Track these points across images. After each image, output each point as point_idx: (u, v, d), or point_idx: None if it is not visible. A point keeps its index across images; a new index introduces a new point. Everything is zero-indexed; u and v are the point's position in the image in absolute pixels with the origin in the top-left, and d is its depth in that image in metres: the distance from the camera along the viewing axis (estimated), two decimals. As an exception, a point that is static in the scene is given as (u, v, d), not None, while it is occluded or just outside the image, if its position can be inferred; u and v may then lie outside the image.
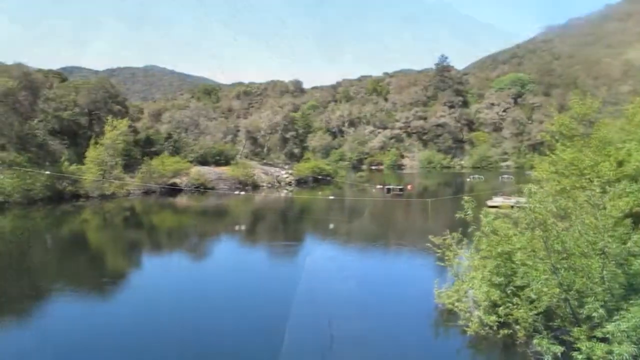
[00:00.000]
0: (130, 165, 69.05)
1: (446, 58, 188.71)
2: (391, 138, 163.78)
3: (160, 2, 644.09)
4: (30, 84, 62.03)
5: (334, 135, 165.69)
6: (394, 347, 17.33)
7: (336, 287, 24.82)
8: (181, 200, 64.57)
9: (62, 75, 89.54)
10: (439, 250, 21.41)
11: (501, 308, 16.86)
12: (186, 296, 23.10)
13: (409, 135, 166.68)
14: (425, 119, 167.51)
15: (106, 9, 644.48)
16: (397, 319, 20.20)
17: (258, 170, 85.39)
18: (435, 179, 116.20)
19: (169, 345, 17.30)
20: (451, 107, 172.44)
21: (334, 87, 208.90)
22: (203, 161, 78.83)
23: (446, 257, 21.10)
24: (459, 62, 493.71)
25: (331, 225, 45.93)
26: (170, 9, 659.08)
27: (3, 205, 49.35)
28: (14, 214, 47.80)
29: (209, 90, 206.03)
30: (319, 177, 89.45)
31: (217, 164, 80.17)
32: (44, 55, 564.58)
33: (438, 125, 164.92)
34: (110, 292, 24.11)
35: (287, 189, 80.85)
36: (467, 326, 17.57)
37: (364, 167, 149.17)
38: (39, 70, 77.56)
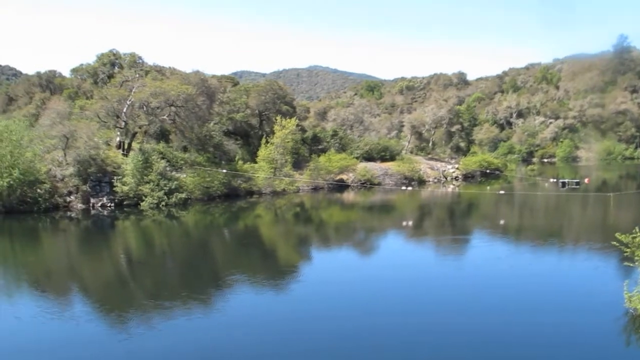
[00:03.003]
0: (299, 163, 71.09)
1: (626, 38, 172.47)
2: (564, 128, 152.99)
3: (319, 5, 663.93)
4: (207, 89, 65.91)
5: (501, 127, 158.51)
6: (579, 354, 15.52)
7: (509, 287, 23.06)
8: (348, 196, 65.13)
9: (234, 80, 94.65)
10: (626, 250, 18.97)
11: None
12: (357, 291, 22.72)
13: (584, 124, 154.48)
14: (602, 106, 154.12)
15: (271, 14, 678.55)
16: (580, 321, 18.10)
17: (424, 165, 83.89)
18: (616, 171, 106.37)
19: (339, 341, 16.99)
20: (633, 92, 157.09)
21: (499, 77, 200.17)
22: (369, 157, 78.96)
23: (636, 257, 18.63)
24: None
25: (502, 221, 43.42)
26: (327, 11, 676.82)
27: (186, 201, 52.99)
28: (196, 209, 51.12)
29: (372, 87, 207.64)
30: (487, 171, 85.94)
31: (383, 159, 79.88)
32: (217, 62, 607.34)
33: (618, 113, 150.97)
34: (283, 284, 24.47)
35: (453, 184, 78.53)
36: (667, 336, 15.28)
37: (535, 159, 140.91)
38: (214, 76, 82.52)
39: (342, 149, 78.73)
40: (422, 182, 77.73)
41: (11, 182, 45.94)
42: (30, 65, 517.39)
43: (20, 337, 17.24)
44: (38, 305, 20.76)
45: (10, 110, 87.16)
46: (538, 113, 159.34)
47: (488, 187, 67.97)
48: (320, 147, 78.45)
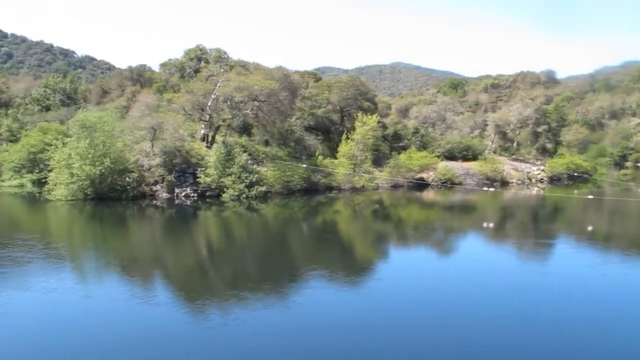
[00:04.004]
0: (379, 160, 70.71)
1: None
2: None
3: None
4: (290, 84, 66.50)
5: (592, 128, 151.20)
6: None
7: (606, 300, 21.63)
8: (428, 194, 64.09)
9: (316, 75, 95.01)
10: None
11: None
12: (435, 294, 22.11)
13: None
14: None
15: (353, 10, 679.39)
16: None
17: (507, 166, 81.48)
18: None
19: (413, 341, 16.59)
20: None
21: (591, 76, 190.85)
22: (450, 156, 77.53)
23: None
24: None
25: (589, 227, 41.20)
26: (411, 6, 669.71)
27: (266, 194, 53.76)
28: (275, 203, 51.70)
29: (455, 84, 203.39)
30: (575, 174, 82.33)
31: (465, 159, 78.21)
32: (300, 57, 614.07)
33: None
34: (360, 282, 24.17)
35: (538, 186, 75.78)
36: None
37: (628, 164, 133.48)
38: (297, 72, 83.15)
39: (423, 147, 77.68)
40: (504, 183, 75.51)
41: (103, 170, 48.23)
42: (123, 59, 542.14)
43: (112, 319, 17.85)
44: (127, 289, 21.50)
45: (104, 102, 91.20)
46: (634, 114, 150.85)
47: (575, 191, 65.05)
48: (401, 144, 77.75)
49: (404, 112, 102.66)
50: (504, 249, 33.72)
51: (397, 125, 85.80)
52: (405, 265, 28.22)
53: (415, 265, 27.97)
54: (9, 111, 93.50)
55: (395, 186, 66.58)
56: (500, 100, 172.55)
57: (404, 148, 75.85)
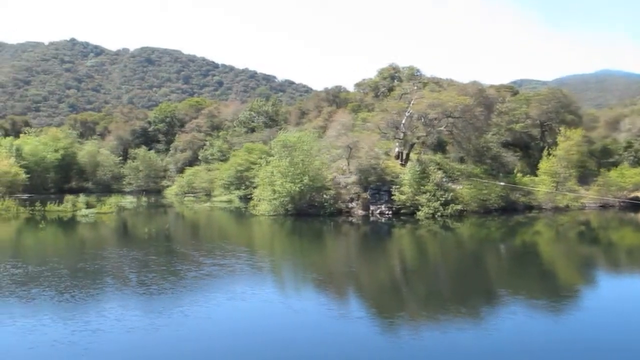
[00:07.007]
0: (584, 177, 65.63)
1: None
2: None
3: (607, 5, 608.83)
4: (485, 99, 64.55)
5: None
6: None
7: None
8: (644, 216, 57.95)
9: (513, 89, 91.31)
10: None
11: None
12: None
13: None
14: None
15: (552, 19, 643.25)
16: None
17: None
18: None
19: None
20: None
21: None
22: (673, 173, 69.57)
23: None
24: None
25: None
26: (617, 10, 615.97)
27: (462, 213, 52.35)
28: (471, 222, 50.12)
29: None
30: None
31: (692, 175, 69.63)
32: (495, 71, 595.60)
33: None
34: (564, 307, 22.10)
35: None
36: None
37: None
38: (492, 86, 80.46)
39: (637, 162, 70.74)
40: None
41: (302, 188, 50.70)
42: (319, 82, 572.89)
43: (317, 333, 18.21)
44: (321, 302, 22.06)
45: (302, 122, 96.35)
46: None
47: None
48: (610, 160, 71.76)
49: (614, 124, 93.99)
50: None
51: (605, 140, 79.20)
52: (616, 295, 25.30)
53: (629, 295, 25.00)
54: (220, 133, 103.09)
55: (604, 206, 61.22)
56: None
57: (615, 164, 69.79)
